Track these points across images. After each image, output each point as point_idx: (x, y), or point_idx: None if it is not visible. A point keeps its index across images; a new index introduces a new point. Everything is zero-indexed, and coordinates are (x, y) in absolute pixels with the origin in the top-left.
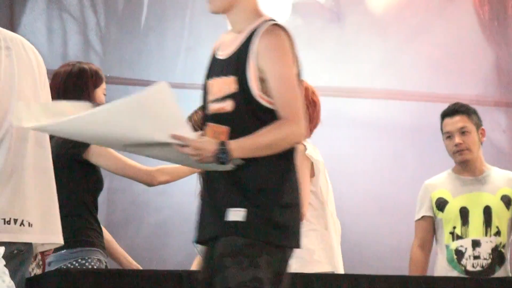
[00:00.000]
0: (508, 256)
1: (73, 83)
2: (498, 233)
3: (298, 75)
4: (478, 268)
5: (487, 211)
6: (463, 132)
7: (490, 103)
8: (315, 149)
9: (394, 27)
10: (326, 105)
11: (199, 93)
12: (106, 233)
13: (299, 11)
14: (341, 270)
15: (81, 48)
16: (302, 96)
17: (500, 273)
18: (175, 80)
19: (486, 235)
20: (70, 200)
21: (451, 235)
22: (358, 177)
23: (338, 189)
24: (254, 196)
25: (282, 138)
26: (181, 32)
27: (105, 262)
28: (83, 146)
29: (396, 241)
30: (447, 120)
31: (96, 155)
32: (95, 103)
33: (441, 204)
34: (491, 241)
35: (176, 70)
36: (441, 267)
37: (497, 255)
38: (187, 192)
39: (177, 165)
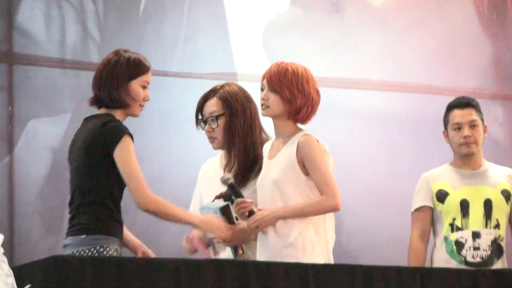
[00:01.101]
0: (505, 250)
1: (107, 73)
2: (497, 226)
3: None
4: (478, 259)
5: (488, 204)
6: (472, 125)
7: (488, 96)
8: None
9: (393, 19)
10: (324, 96)
11: (196, 83)
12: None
13: (298, 2)
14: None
15: (79, 36)
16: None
17: (498, 265)
18: (173, 69)
19: (486, 227)
20: (97, 189)
21: (450, 227)
22: (355, 169)
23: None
24: None
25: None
26: (179, 21)
27: (121, 253)
28: (112, 144)
29: (393, 232)
30: (457, 112)
31: (118, 155)
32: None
33: (442, 196)
34: (490, 233)
35: (174, 59)
36: (439, 259)
37: (496, 248)
38: (185, 179)
39: (175, 208)
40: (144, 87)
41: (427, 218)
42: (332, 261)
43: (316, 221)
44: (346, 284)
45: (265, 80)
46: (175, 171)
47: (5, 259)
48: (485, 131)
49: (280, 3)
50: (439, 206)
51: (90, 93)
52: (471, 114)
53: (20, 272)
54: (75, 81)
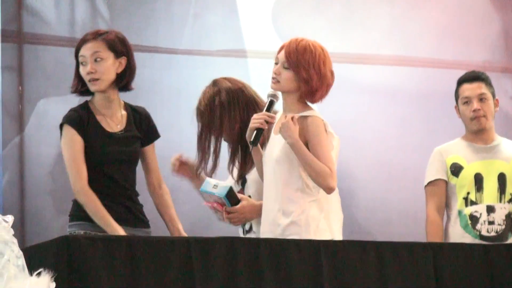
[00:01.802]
0: None
1: None
2: (511, 200)
3: None
4: (493, 234)
5: (502, 178)
6: (481, 99)
7: (497, 69)
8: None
9: None
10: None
11: (205, 60)
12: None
13: None
14: (339, 237)
15: (88, 15)
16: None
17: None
18: (182, 46)
19: (500, 201)
20: None
21: (464, 201)
22: (365, 144)
23: (345, 155)
24: None
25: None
26: None
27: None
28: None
29: (404, 207)
30: (466, 86)
31: (61, 144)
32: None
33: (456, 169)
34: (505, 208)
35: (184, 36)
36: (454, 234)
37: (510, 222)
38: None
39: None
40: (82, 63)
41: (442, 191)
42: (338, 235)
43: (320, 198)
44: (359, 260)
45: (281, 54)
46: (186, 149)
47: (15, 240)
48: (496, 105)
49: None
50: (453, 180)
51: None
52: (480, 88)
53: (31, 253)
54: None
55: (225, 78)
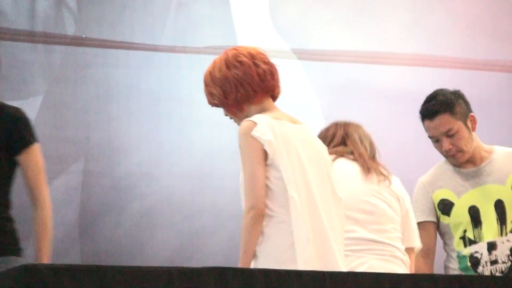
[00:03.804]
0: None
1: None
2: None
3: None
4: (498, 275)
5: (500, 206)
6: (449, 135)
7: None
8: (270, 125)
9: None
10: (344, 72)
11: (190, 58)
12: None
13: None
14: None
15: (51, 5)
16: None
17: None
18: (163, 42)
19: (501, 234)
20: None
21: (462, 241)
22: (382, 157)
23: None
24: None
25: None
26: None
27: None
28: None
29: None
30: (428, 123)
31: None
32: None
33: (446, 207)
34: (508, 240)
35: (165, 30)
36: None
37: None
38: (177, 175)
39: None
40: None
41: (430, 233)
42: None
43: (287, 217)
44: None
45: None
46: (166, 164)
47: None
48: (474, 123)
49: None
50: (446, 220)
51: (64, 71)
52: (444, 124)
53: None
54: (47, 57)
55: None
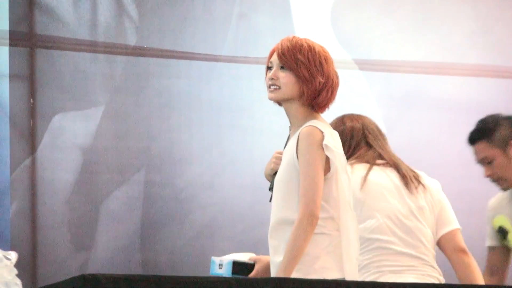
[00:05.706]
0: None
1: None
2: None
3: None
4: None
5: None
6: (486, 162)
7: None
8: (335, 138)
9: None
10: (405, 83)
11: (251, 68)
12: None
13: None
14: (355, 276)
15: (113, 15)
16: None
17: None
18: (225, 52)
19: None
20: None
21: None
22: (442, 170)
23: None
24: None
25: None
26: None
27: None
28: None
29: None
30: (472, 148)
31: None
32: None
33: (503, 234)
34: None
35: (226, 40)
36: None
37: None
38: (238, 185)
39: None
40: None
41: (496, 256)
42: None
43: (324, 230)
44: None
45: (274, 57)
46: (228, 174)
47: (18, 281)
48: (510, 150)
49: None
50: (509, 243)
51: (125, 82)
52: (479, 152)
53: None
54: (108, 67)
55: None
